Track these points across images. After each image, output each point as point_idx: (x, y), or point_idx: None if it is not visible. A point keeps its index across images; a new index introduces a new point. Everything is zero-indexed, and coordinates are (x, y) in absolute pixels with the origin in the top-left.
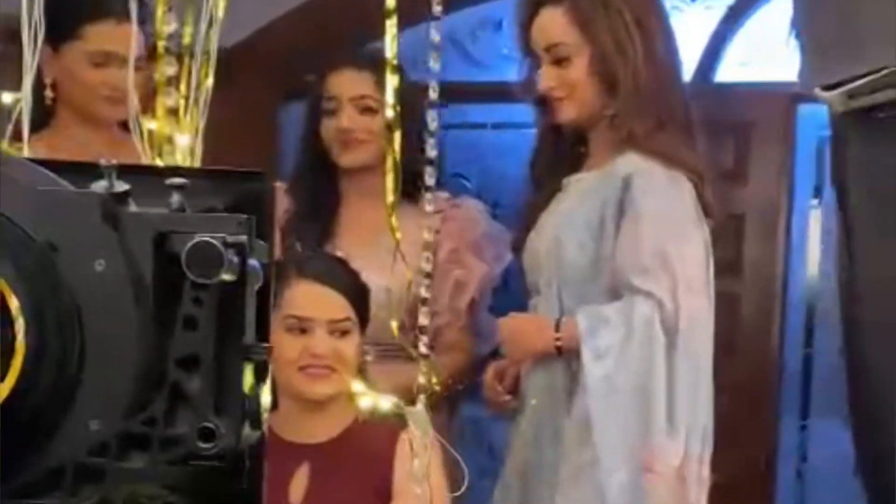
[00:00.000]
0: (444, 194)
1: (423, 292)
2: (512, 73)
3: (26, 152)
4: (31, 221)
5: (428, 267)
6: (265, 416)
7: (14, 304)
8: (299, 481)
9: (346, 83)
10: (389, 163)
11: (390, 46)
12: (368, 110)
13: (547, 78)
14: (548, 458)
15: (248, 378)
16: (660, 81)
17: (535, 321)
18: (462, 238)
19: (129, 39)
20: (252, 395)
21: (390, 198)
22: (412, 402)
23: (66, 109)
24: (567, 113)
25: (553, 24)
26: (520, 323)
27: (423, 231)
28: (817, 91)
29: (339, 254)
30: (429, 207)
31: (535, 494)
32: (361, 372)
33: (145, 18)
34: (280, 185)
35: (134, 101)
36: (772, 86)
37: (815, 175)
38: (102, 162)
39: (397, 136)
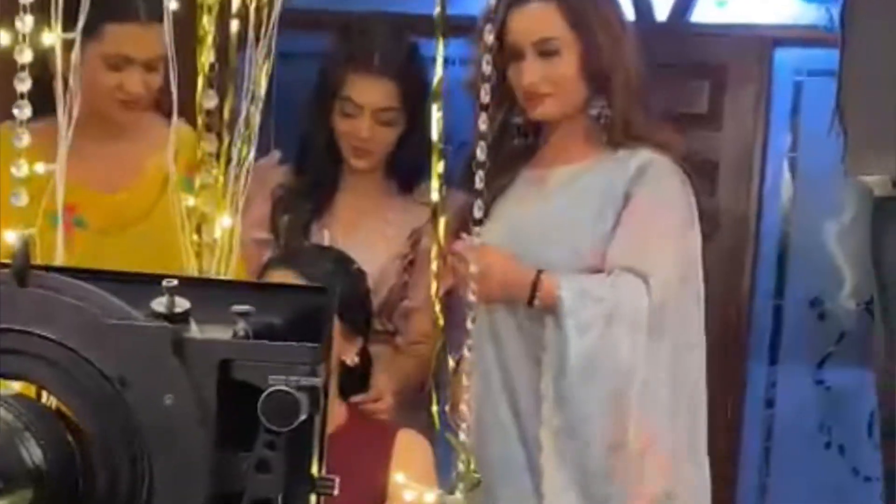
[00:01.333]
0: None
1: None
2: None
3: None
4: (101, 355)
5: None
6: None
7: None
8: None
9: (370, 92)
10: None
11: (435, 126)
12: (387, 123)
13: (531, 73)
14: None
15: None
16: (642, 68)
17: (517, 270)
18: None
19: (149, 43)
20: None
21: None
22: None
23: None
24: (550, 109)
25: (543, 18)
26: (502, 264)
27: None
28: (860, 177)
29: (324, 234)
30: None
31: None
32: (365, 371)
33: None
34: (274, 156)
35: (174, 177)
36: (749, 28)
37: (791, 120)
38: (164, 282)
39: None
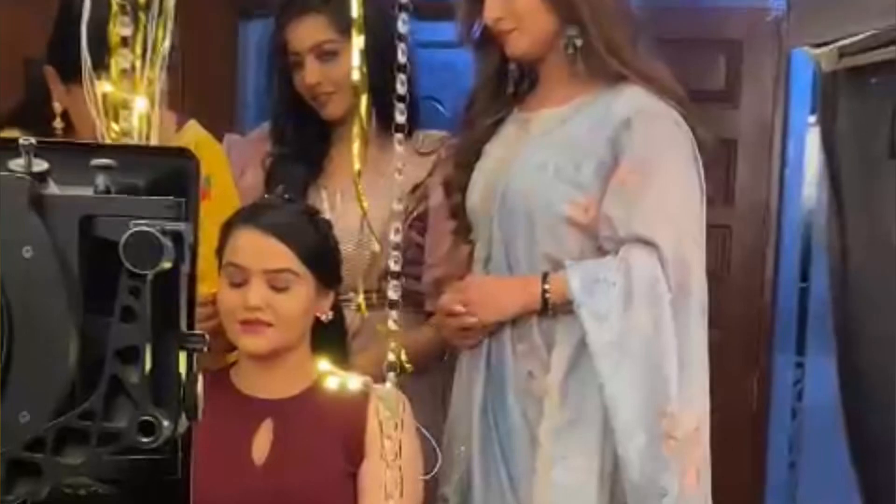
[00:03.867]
0: (438, 133)
1: (393, 265)
2: None
3: None
4: None
5: (397, 238)
6: (200, 405)
7: None
8: (263, 438)
9: (303, 33)
10: (356, 129)
11: (356, 2)
12: (330, 55)
13: (491, 8)
14: (512, 412)
15: (182, 367)
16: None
17: (513, 280)
18: None
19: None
20: (188, 385)
21: (357, 165)
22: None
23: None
24: (518, 45)
25: None
26: (494, 283)
27: (392, 201)
28: (806, 49)
29: (323, 195)
30: (399, 177)
31: (496, 451)
32: (339, 326)
33: None
34: (264, 128)
35: (87, 60)
36: (765, 1)
37: (812, 93)
38: (22, 140)
39: (364, 99)
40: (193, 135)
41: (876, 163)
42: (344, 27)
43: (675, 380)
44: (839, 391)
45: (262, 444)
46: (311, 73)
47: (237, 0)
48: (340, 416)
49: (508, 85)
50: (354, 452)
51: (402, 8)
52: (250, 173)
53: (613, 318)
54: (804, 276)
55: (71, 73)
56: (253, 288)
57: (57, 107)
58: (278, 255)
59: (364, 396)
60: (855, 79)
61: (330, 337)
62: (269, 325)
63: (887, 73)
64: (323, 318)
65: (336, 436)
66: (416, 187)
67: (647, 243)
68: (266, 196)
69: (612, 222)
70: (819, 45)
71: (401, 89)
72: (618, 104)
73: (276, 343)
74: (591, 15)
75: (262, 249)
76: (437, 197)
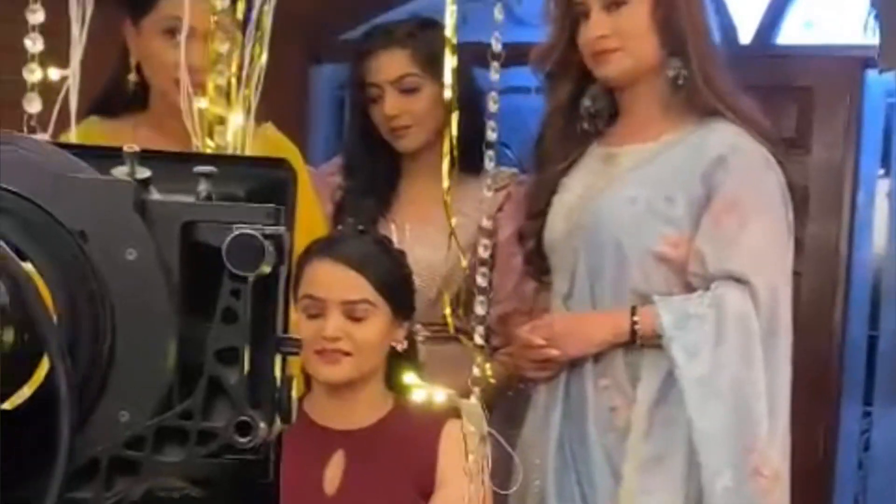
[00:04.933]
0: (509, 169)
1: (481, 280)
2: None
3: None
4: (61, 209)
5: (486, 254)
6: (293, 410)
7: (46, 293)
8: (334, 468)
9: (386, 66)
10: (446, 147)
11: (450, 24)
12: (411, 90)
13: (597, 27)
14: (593, 447)
15: (278, 370)
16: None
17: (600, 314)
18: None
19: (202, 13)
20: (282, 388)
21: (446, 183)
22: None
23: (154, 95)
24: (620, 65)
25: None
26: (580, 317)
27: (483, 217)
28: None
29: (391, 228)
30: (487, 193)
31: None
32: (412, 356)
33: None
34: (335, 162)
35: (185, 78)
36: (838, 49)
37: (883, 144)
38: (125, 148)
39: (454, 116)
40: (272, 134)
41: None
42: (426, 63)
43: (764, 417)
44: None
45: (333, 474)
46: (392, 106)
47: (309, 46)
48: (412, 447)
49: (583, 121)
50: (426, 484)
51: (495, 57)
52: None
53: (705, 354)
54: (874, 325)
55: (141, 9)
56: (331, 319)
57: (132, 61)
58: (355, 285)
59: (436, 429)
60: None
61: (404, 367)
62: (347, 354)
63: None
64: (399, 347)
65: (408, 467)
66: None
67: (740, 282)
68: (339, 227)
69: (703, 259)
70: None
71: (491, 136)
72: (711, 140)
73: (353, 372)
74: (695, 47)
75: (339, 281)
76: (505, 232)
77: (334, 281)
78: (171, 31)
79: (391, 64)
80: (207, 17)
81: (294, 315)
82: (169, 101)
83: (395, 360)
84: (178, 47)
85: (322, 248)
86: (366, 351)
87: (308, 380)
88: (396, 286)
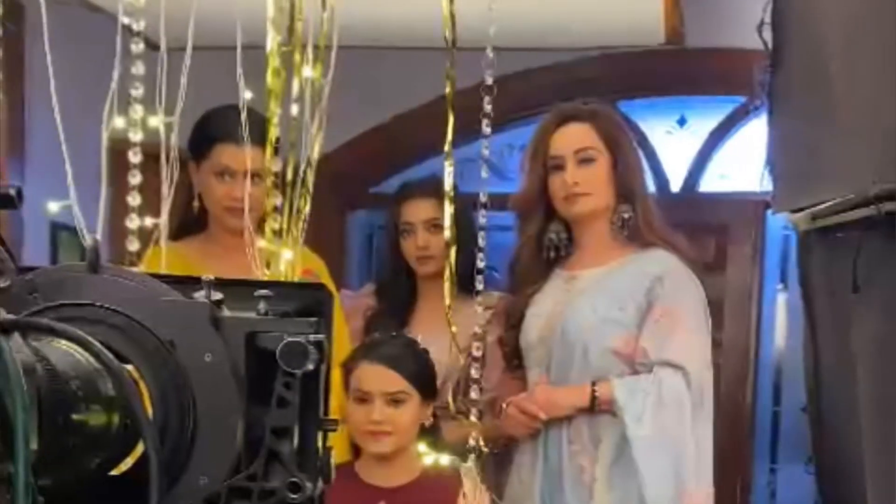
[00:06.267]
0: (497, 293)
1: (474, 373)
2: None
3: (164, 263)
4: (154, 323)
5: (478, 353)
6: (332, 473)
7: (144, 389)
8: None
9: (419, 210)
10: (447, 273)
11: (447, 180)
12: (437, 228)
13: (573, 176)
14: (569, 498)
15: (320, 442)
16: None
17: (568, 388)
18: None
19: (248, 160)
20: (324, 457)
21: (448, 300)
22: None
23: (211, 219)
24: (586, 206)
25: (581, 133)
26: (556, 389)
27: (475, 326)
28: (787, 214)
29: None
30: (479, 309)
31: None
32: (435, 431)
33: (265, 141)
34: (368, 287)
35: (247, 221)
36: (745, 194)
37: (781, 266)
38: (203, 278)
39: (453, 251)
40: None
41: (840, 297)
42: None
43: (693, 467)
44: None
45: None
46: (423, 240)
47: (346, 196)
48: (438, 500)
49: (548, 250)
50: None
51: (483, 206)
52: (352, 321)
53: (648, 418)
54: (777, 402)
55: (198, 154)
56: (376, 407)
57: (195, 191)
58: (394, 380)
59: (455, 486)
60: (825, 234)
61: (430, 437)
62: (389, 433)
63: (850, 230)
64: (426, 423)
65: None
66: (475, 333)
67: (675, 367)
68: (376, 335)
69: (647, 351)
70: (796, 211)
71: (480, 264)
72: (651, 264)
73: (394, 446)
74: (639, 197)
75: (381, 377)
76: (490, 338)
77: (377, 377)
78: (221, 173)
79: (424, 210)
80: (247, 162)
81: (340, 400)
82: (221, 222)
83: (424, 431)
84: (224, 185)
85: (367, 352)
86: (403, 429)
87: (357, 449)
88: (424, 377)
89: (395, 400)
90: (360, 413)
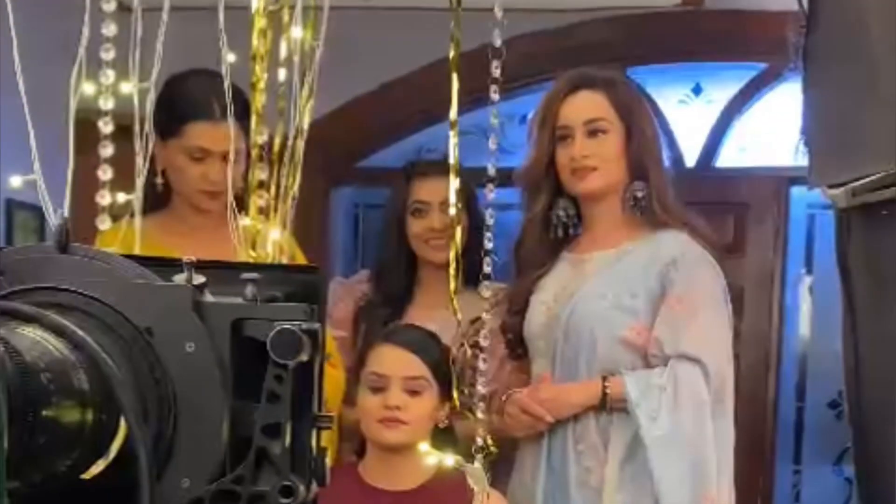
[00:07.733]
0: (499, 284)
1: (481, 365)
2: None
3: (138, 242)
4: (131, 309)
5: (485, 342)
6: (327, 475)
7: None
8: None
9: (434, 191)
10: (452, 254)
11: (453, 154)
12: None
13: (582, 148)
14: (574, 501)
15: (314, 442)
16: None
17: (577, 384)
18: None
19: (224, 138)
20: (318, 457)
21: (453, 284)
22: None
23: (176, 196)
24: (594, 183)
25: (593, 102)
26: (563, 386)
27: (483, 313)
28: (825, 189)
29: None
30: (486, 293)
31: None
32: (449, 433)
33: (244, 115)
34: (363, 273)
35: (231, 199)
36: (767, 170)
37: (806, 248)
38: (185, 259)
39: (459, 230)
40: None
41: (885, 281)
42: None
43: (714, 471)
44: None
45: None
46: (437, 220)
47: (328, 170)
48: None
49: (556, 229)
50: None
51: (491, 180)
52: (342, 306)
53: (664, 417)
54: (800, 397)
55: (167, 132)
56: (393, 392)
57: (158, 167)
58: (415, 364)
59: (468, 491)
60: (866, 211)
61: (443, 440)
62: (404, 423)
63: (892, 206)
64: (440, 424)
65: None
66: (475, 320)
67: (692, 360)
68: (395, 323)
69: (661, 343)
70: (834, 187)
71: (488, 245)
72: (664, 247)
73: (408, 437)
74: (653, 173)
75: (401, 360)
76: (491, 325)
77: (396, 360)
78: (193, 154)
79: (439, 189)
80: (225, 142)
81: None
82: (192, 203)
83: (439, 432)
84: (199, 166)
85: (385, 336)
86: (419, 421)
87: (361, 449)
88: (444, 369)
89: (413, 390)
90: (374, 401)
